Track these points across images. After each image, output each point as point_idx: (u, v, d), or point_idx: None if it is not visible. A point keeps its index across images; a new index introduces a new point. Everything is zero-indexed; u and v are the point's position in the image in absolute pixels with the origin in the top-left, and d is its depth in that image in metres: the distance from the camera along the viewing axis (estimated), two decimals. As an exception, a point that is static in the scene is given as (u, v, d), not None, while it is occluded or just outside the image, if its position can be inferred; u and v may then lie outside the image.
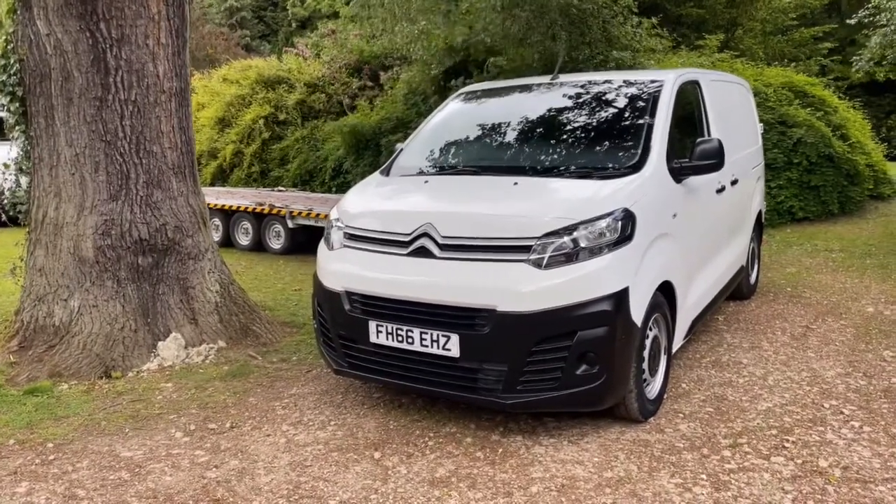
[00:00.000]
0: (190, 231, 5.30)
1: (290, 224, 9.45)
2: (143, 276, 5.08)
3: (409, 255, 3.76)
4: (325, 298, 4.08)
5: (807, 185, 10.58)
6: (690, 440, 3.66)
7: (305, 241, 9.65)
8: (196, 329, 5.25)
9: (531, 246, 3.48)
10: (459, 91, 5.40)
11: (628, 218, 3.58)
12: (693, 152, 4.16)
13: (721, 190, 4.98)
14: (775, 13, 18.39)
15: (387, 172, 4.75)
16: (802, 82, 11.94)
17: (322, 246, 4.31)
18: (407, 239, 3.79)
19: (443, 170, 4.56)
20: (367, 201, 4.33)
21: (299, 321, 6.02)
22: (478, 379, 3.55)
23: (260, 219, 9.92)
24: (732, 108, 5.85)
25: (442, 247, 3.67)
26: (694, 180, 4.31)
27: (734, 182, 5.32)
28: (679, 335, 4.30)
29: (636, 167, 3.93)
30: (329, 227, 4.30)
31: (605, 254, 3.47)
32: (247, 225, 10.15)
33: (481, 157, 4.59)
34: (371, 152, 13.09)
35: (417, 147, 4.94)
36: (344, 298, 3.91)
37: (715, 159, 4.14)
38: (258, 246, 10.01)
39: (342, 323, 3.97)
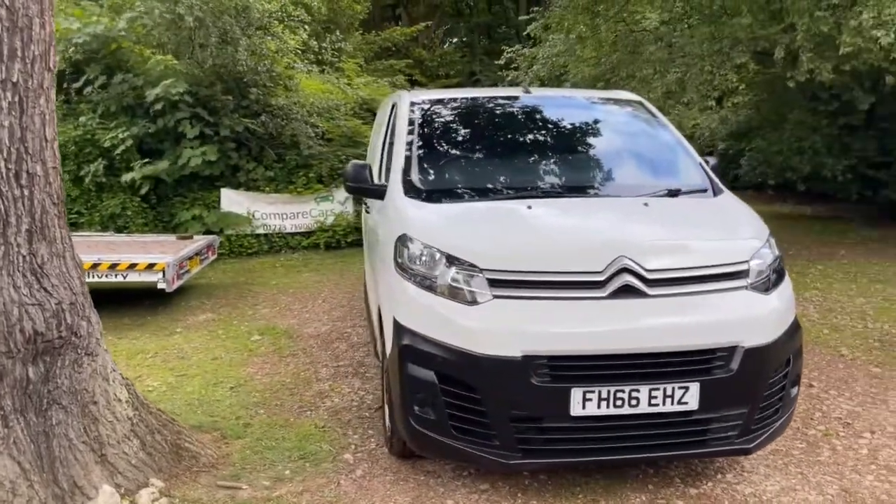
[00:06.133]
0: (85, 308, 3.12)
1: None
2: (30, 399, 2.79)
3: (609, 296, 3.04)
4: (480, 371, 2.96)
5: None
6: (801, 440, 3.88)
7: None
8: (106, 469, 3.11)
9: (745, 270, 3.22)
10: (412, 100, 4.39)
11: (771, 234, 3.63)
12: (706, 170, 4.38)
13: None
14: (366, 44, 20.28)
15: (420, 197, 3.65)
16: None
17: (437, 302, 3.09)
18: (602, 278, 3.05)
19: (522, 192, 3.70)
20: (501, 236, 3.29)
21: (208, 422, 4.09)
22: (709, 430, 3.11)
23: None
24: None
25: (650, 282, 3.08)
26: None
27: None
28: None
29: (712, 185, 3.95)
30: (442, 275, 3.11)
31: (784, 272, 3.45)
32: None
33: (552, 176, 3.95)
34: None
35: (424, 168, 3.94)
36: (526, 366, 2.92)
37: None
38: None
39: (521, 400, 2.96)
